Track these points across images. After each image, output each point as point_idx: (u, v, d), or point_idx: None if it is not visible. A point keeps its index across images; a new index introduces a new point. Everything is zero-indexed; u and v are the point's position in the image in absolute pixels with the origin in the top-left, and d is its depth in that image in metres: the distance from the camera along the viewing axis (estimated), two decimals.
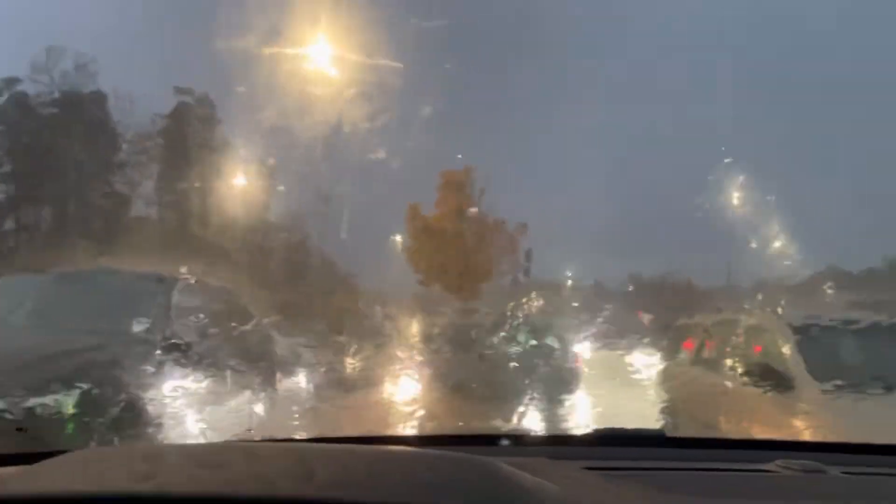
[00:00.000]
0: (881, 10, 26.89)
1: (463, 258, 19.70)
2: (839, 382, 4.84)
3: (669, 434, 1.35)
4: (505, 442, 1.38)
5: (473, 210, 20.04)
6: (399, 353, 9.74)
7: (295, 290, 16.39)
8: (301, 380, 7.44)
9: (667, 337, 9.16)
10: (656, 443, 1.30)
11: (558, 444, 1.40)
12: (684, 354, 7.37)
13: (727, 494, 1.02)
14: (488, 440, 1.47)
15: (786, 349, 5.50)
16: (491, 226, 20.23)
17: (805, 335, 5.49)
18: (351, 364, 9.44)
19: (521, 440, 1.45)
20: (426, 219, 20.13)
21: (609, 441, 1.33)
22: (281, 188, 18.08)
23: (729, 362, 6.22)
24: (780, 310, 6.22)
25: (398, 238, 21.06)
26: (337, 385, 7.86)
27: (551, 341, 9.53)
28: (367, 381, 8.11)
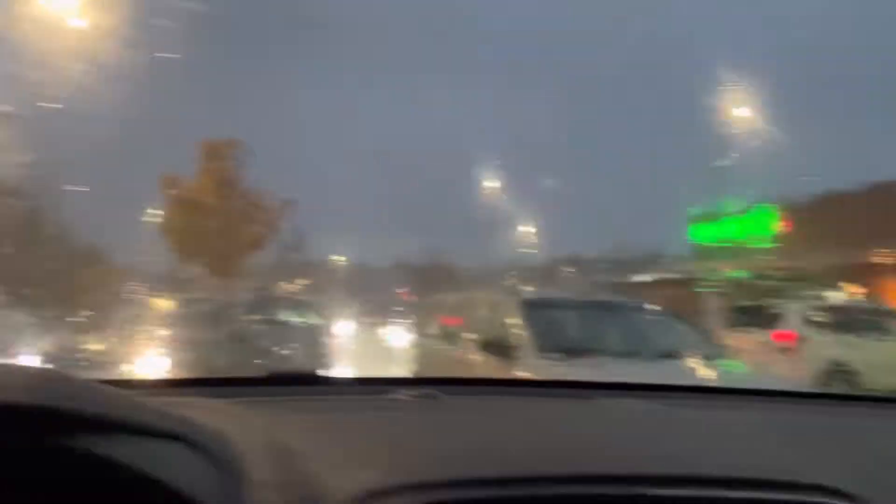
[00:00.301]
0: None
1: (224, 233, 18.87)
2: (556, 351, 5.43)
3: (322, 374, 1.48)
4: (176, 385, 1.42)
5: (236, 183, 19.28)
6: (147, 333, 9.08)
7: (25, 264, 14.50)
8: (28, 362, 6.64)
9: (422, 313, 9.63)
10: (307, 381, 1.41)
11: (217, 385, 1.44)
12: (434, 328, 7.81)
13: (348, 410, 1.16)
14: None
15: (517, 321, 6.03)
16: (255, 201, 19.58)
17: (534, 311, 6.06)
18: (88, 345, 8.67)
19: (184, 382, 1.49)
20: (184, 190, 18.93)
21: (264, 381, 1.42)
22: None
23: (470, 335, 6.69)
24: (517, 288, 6.81)
25: (154, 211, 19.61)
26: (74, 367, 7.14)
27: (311, 318, 9.54)
28: (106, 362, 7.52)
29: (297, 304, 10.58)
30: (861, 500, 0.80)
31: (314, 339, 8.33)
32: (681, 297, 13.93)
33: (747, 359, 8.64)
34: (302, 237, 21.80)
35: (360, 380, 1.70)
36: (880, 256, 14.22)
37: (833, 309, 10.56)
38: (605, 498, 0.75)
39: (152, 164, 19.20)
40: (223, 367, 6.70)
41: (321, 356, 8.01)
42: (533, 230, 20.77)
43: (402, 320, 10.87)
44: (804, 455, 0.95)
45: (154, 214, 19.00)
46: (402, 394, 1.26)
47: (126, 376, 5.04)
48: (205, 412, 0.94)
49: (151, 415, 0.68)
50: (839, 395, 2.27)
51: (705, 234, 18.31)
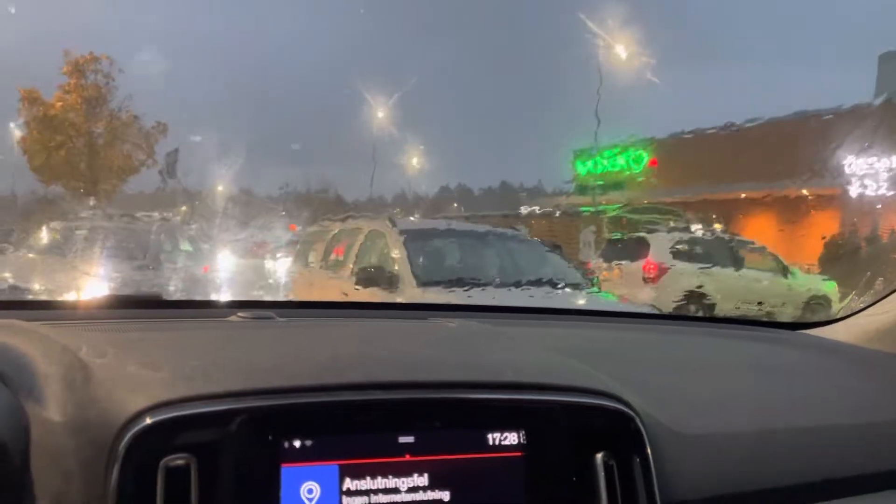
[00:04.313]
0: None
1: (92, 155, 17.62)
2: (433, 282, 5.56)
3: (163, 298, 1.47)
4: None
5: (104, 101, 17.94)
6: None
7: None
8: None
9: (306, 243, 9.49)
10: (151, 304, 1.41)
11: (55, 308, 1.41)
12: (313, 258, 7.76)
13: (176, 330, 1.19)
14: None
15: (396, 253, 6.10)
16: (125, 121, 18.33)
17: (412, 241, 6.14)
18: None
19: (21, 305, 1.46)
20: (46, 105, 17.42)
21: (100, 304, 1.41)
22: None
23: (350, 266, 6.70)
24: (397, 219, 6.85)
25: (12, 127, 17.95)
26: None
27: (185, 246, 9.17)
28: None
29: (172, 232, 10.11)
30: (619, 399, 0.91)
31: (186, 269, 8.05)
32: (560, 230, 14.54)
33: (618, 289, 9.22)
34: (179, 163, 20.71)
35: (201, 302, 1.70)
36: (738, 193, 15.33)
37: (694, 241, 11.39)
38: (380, 402, 0.82)
39: (9, 77, 17.50)
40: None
41: (194, 285, 7.79)
42: (420, 162, 20.75)
43: (287, 251, 10.67)
44: (595, 365, 1.06)
45: (15, 135, 17.47)
46: (238, 316, 1.28)
47: None
48: (9, 332, 0.93)
49: None
50: (663, 316, 2.50)
51: (584, 170, 19.06)
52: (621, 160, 18.04)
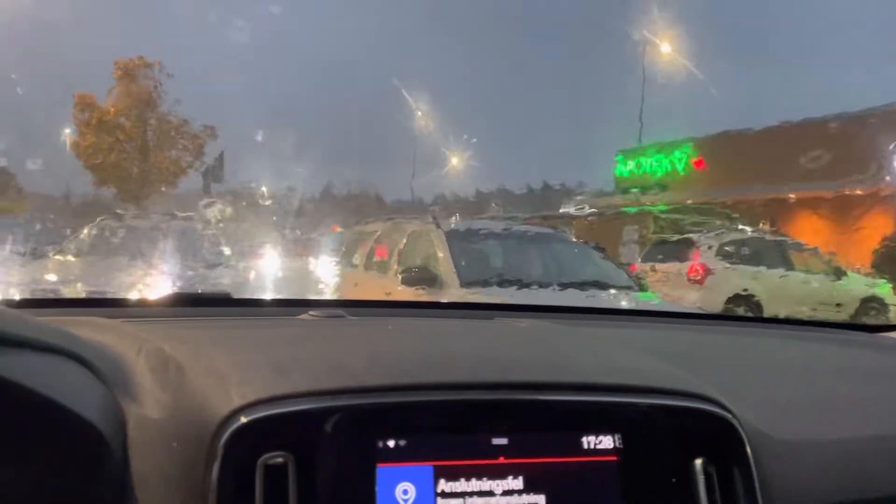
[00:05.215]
0: None
1: (142, 158, 18.10)
2: (478, 282, 5.54)
3: (232, 296, 1.48)
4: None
5: (154, 104, 18.39)
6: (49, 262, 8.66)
7: None
8: None
9: (349, 243, 9.56)
10: (221, 303, 1.42)
11: (132, 305, 1.43)
12: (357, 259, 7.80)
13: (251, 328, 1.18)
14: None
15: (440, 253, 6.09)
16: (175, 125, 18.77)
17: (456, 242, 6.13)
18: None
19: (97, 303, 1.48)
20: (101, 111, 17.96)
21: (170, 302, 1.42)
22: None
23: (395, 266, 6.72)
24: (441, 220, 6.84)
25: (67, 132, 18.54)
26: None
27: (230, 246, 9.31)
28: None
29: (216, 230, 10.27)
30: (719, 404, 0.88)
31: (228, 271, 8.18)
32: (602, 230, 14.36)
33: (663, 290, 9.06)
34: (225, 165, 21.11)
35: (271, 301, 1.71)
36: (787, 194, 14.96)
37: (742, 242, 11.14)
38: (476, 402, 0.80)
39: (65, 83, 18.11)
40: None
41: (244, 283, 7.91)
42: (460, 163, 20.77)
43: (332, 253, 10.75)
44: (683, 367, 1.02)
45: (70, 138, 18.04)
46: (310, 314, 1.28)
47: (32, 296, 4.86)
48: (96, 329, 0.94)
49: (34, 330, 0.67)
50: (737, 317, 2.43)
51: (626, 170, 18.81)
52: (665, 160, 17.74)
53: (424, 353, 0.91)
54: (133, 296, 5.45)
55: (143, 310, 1.36)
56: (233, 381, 0.77)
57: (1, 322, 0.62)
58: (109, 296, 4.11)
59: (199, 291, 1.48)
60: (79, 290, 5.53)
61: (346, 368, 0.81)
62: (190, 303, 1.41)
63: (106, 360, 0.80)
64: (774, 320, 1.89)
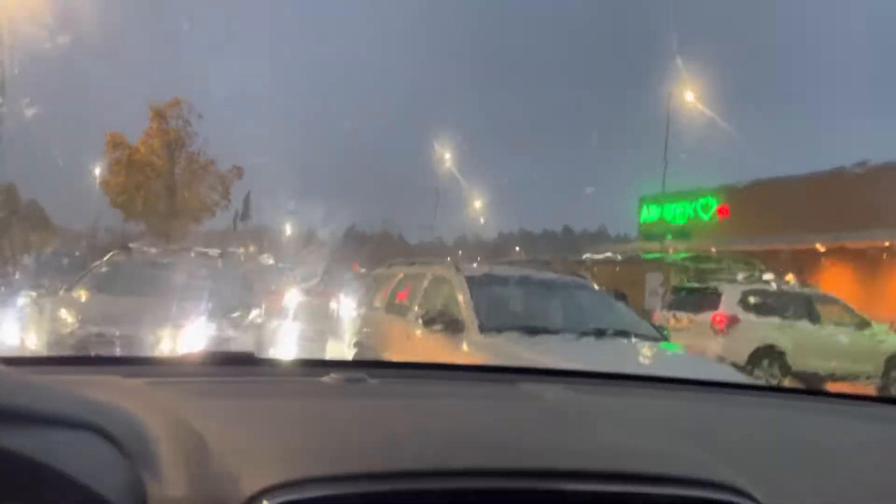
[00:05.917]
0: None
1: (170, 196, 18.43)
2: (498, 329, 5.50)
3: (256, 356, 1.48)
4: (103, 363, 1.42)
5: (183, 144, 18.81)
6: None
7: None
8: None
9: (370, 285, 9.59)
10: (243, 362, 1.42)
11: (154, 364, 1.44)
12: (381, 301, 7.80)
13: (274, 395, 1.20)
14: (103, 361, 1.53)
15: (461, 298, 6.08)
16: (203, 164, 19.13)
17: (477, 287, 6.11)
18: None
19: (118, 361, 1.49)
20: (131, 150, 18.39)
21: (200, 361, 1.43)
22: None
23: (415, 309, 6.71)
24: (462, 264, 6.83)
25: (97, 171, 18.99)
26: None
27: (246, 289, 9.36)
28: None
29: (241, 268, 10.34)
30: (745, 494, 0.86)
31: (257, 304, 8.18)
32: (625, 277, 14.26)
33: (685, 339, 8.92)
34: (252, 204, 21.44)
35: (292, 362, 1.71)
36: (814, 244, 14.77)
37: (767, 293, 10.95)
38: (507, 492, 0.79)
39: (98, 123, 18.64)
40: None
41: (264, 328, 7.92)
42: (484, 206, 20.89)
43: (353, 293, 10.78)
44: (711, 449, 1.00)
45: (100, 175, 18.44)
46: (331, 377, 1.28)
47: (41, 354, 4.90)
48: (120, 393, 0.94)
49: (55, 400, 0.68)
50: (763, 388, 2.38)
51: (650, 216, 18.75)
52: (689, 207, 17.66)
53: (443, 434, 0.91)
54: (149, 340, 5.45)
55: (165, 369, 1.37)
56: (254, 461, 0.77)
57: (15, 394, 0.62)
58: (132, 353, 4.10)
59: (222, 350, 1.48)
60: (90, 335, 5.49)
61: (364, 452, 0.81)
62: (215, 362, 1.41)
63: (130, 434, 0.81)
64: (810, 392, 1.84)
